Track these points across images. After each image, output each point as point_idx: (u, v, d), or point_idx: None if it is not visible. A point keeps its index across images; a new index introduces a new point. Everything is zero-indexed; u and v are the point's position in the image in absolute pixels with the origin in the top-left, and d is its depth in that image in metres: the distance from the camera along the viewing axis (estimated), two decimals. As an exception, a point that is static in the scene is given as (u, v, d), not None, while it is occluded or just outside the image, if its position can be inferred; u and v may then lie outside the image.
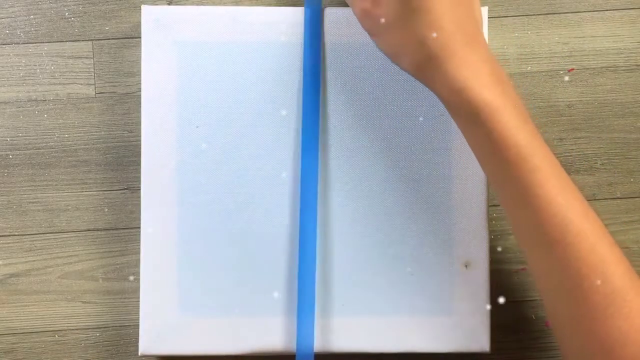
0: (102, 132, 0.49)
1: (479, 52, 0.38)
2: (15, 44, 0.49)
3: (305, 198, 0.45)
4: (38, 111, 0.48)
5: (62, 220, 0.48)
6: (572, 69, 0.49)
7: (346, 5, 0.45)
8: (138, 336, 0.45)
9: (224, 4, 0.49)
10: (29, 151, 0.48)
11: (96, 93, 0.49)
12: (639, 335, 0.34)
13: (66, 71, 0.49)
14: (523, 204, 0.37)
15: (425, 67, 0.39)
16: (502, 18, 0.49)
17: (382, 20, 0.40)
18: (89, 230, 0.49)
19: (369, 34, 0.42)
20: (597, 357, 0.35)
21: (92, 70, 0.49)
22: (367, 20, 0.41)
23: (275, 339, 0.45)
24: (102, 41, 0.49)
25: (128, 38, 0.49)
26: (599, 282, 0.35)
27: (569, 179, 0.38)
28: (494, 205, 0.49)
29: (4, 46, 0.49)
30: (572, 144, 0.49)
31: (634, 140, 0.49)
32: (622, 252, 0.37)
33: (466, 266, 0.46)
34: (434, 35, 0.38)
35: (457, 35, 0.38)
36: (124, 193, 0.49)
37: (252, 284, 0.46)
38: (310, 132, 0.45)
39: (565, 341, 0.38)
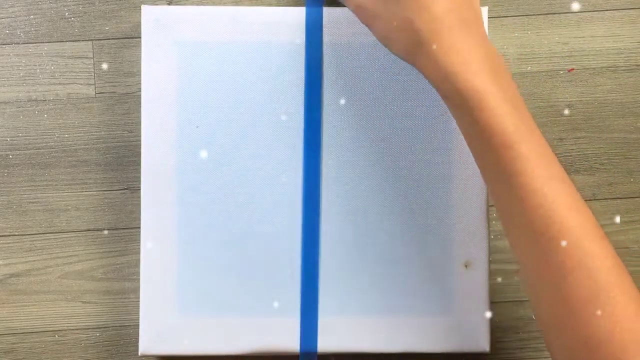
0: (102, 132, 0.49)
1: (470, 36, 0.38)
2: (15, 44, 0.49)
3: (308, 198, 0.45)
4: (38, 111, 0.48)
5: (62, 220, 0.48)
6: (572, 69, 0.49)
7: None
8: (138, 336, 0.45)
9: (224, 4, 0.49)
10: (29, 151, 0.48)
11: (96, 93, 0.49)
12: (624, 335, 0.34)
13: (66, 71, 0.49)
14: (508, 194, 0.37)
15: (415, 52, 0.38)
16: (502, 18, 0.49)
17: (375, 8, 0.39)
18: (89, 230, 0.49)
19: (365, 25, 0.41)
20: (581, 355, 0.35)
21: (92, 70, 0.49)
22: (362, 12, 0.41)
23: (276, 339, 0.45)
24: (102, 41, 0.49)
25: (128, 38, 0.49)
26: (583, 277, 0.35)
27: (559, 169, 0.37)
28: (494, 205, 0.49)
29: (4, 46, 0.49)
30: (572, 144, 0.49)
31: (634, 140, 0.49)
32: (611, 245, 0.36)
33: (466, 266, 0.46)
34: (421, 18, 0.37)
35: (446, 19, 0.37)
36: (124, 193, 0.49)
37: (252, 283, 0.46)
38: (311, 133, 0.45)
39: (550, 337, 0.37)
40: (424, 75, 0.39)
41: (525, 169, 0.36)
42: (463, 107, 0.37)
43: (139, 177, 0.46)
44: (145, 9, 0.46)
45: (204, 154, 0.45)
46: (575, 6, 0.49)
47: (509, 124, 0.36)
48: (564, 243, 0.35)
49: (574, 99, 0.49)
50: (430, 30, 0.37)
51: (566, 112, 0.49)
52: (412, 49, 0.39)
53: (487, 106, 0.36)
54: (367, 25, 0.41)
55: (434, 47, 0.37)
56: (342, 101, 0.46)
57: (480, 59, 0.37)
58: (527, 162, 0.36)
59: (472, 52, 0.37)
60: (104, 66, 0.49)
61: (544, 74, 0.49)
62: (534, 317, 0.49)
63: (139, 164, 0.46)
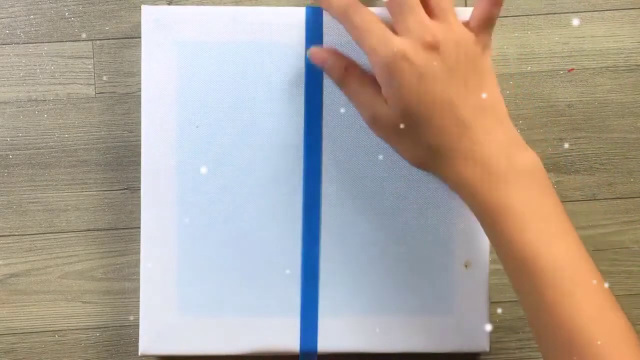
0: (102, 132, 0.49)
1: (495, 139, 0.37)
2: (15, 44, 0.49)
3: (308, 198, 0.45)
4: (38, 111, 0.48)
5: (62, 220, 0.48)
6: (572, 69, 0.49)
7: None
8: (138, 336, 0.45)
9: (224, 4, 0.49)
10: (29, 151, 0.48)
11: (96, 93, 0.49)
12: None
13: (66, 71, 0.49)
14: (535, 307, 0.35)
15: (434, 162, 0.38)
16: (502, 18, 0.49)
17: (392, 125, 0.39)
18: (89, 230, 0.49)
19: (384, 139, 0.41)
20: None
21: (92, 70, 0.49)
22: (378, 125, 0.40)
23: (276, 339, 0.45)
24: (102, 41, 0.49)
25: (128, 38, 0.49)
26: None
27: (589, 271, 0.35)
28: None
29: (4, 46, 0.49)
30: (572, 144, 0.49)
31: (634, 140, 0.49)
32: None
33: (466, 266, 0.46)
34: (438, 138, 0.37)
35: (464, 135, 0.37)
36: (124, 193, 0.49)
37: (252, 283, 0.46)
38: (311, 132, 0.45)
39: None
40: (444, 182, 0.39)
41: (552, 279, 0.34)
42: (485, 219, 0.36)
43: (139, 177, 0.46)
44: (145, 9, 0.45)
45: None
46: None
47: (532, 237, 0.35)
48: (588, 356, 0.34)
49: (574, 99, 0.49)
50: (449, 148, 0.37)
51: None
52: (430, 159, 0.38)
53: (508, 223, 0.35)
54: (386, 140, 0.41)
55: (454, 161, 0.37)
56: (342, 101, 0.46)
57: (504, 166, 0.36)
58: (553, 272, 0.34)
59: (494, 158, 0.36)
60: (104, 66, 0.49)
61: (544, 74, 0.49)
62: None
63: (139, 164, 0.46)
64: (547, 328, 0.35)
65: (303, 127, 0.46)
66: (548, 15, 0.49)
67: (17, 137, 0.48)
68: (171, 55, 0.45)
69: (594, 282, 0.35)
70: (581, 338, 0.34)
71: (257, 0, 0.49)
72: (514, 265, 0.36)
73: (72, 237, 0.48)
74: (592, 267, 0.36)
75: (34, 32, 0.49)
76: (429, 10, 0.39)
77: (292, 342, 0.45)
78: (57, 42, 0.49)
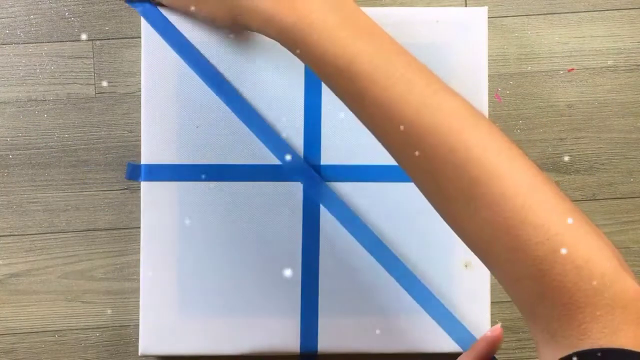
0: (102, 132, 0.49)
1: None
2: (15, 44, 0.49)
3: (308, 198, 0.45)
4: (38, 111, 0.48)
5: (62, 220, 0.48)
6: (572, 69, 0.49)
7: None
8: (138, 336, 0.45)
9: (224, 4, 0.49)
10: (29, 151, 0.48)
11: (96, 93, 0.49)
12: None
13: (66, 71, 0.49)
14: (362, 113, 0.35)
15: (240, 12, 0.39)
16: (502, 18, 0.49)
17: None
18: (89, 230, 0.49)
19: (186, 11, 0.44)
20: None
21: (92, 70, 0.49)
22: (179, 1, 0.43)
23: (276, 339, 0.45)
24: (102, 41, 0.49)
25: (128, 38, 0.49)
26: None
27: (401, 62, 0.34)
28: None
29: (4, 46, 0.49)
30: (572, 144, 0.49)
31: (634, 140, 0.49)
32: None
33: (466, 266, 0.46)
34: None
35: None
36: (124, 193, 0.49)
37: (252, 284, 0.46)
38: (311, 132, 0.45)
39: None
40: (255, 30, 0.39)
41: (367, 86, 0.33)
42: (293, 46, 0.36)
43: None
44: (145, 9, 0.45)
45: (203, 148, 0.45)
46: (566, 158, 0.49)
47: (335, 46, 0.34)
48: (401, 127, 0.34)
49: (574, 99, 0.49)
50: None
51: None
52: (236, 11, 0.39)
53: (310, 36, 0.35)
54: (186, 7, 0.43)
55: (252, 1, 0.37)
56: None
57: None
58: (364, 76, 0.34)
59: None
60: (104, 66, 0.49)
61: (544, 74, 0.49)
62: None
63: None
64: (377, 120, 0.35)
65: (303, 127, 0.46)
66: (548, 15, 0.49)
67: (17, 137, 0.48)
68: (171, 55, 0.45)
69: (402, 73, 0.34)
70: (403, 119, 0.33)
71: (257, 0, 0.49)
72: (331, 79, 0.35)
73: (72, 237, 0.48)
74: (408, 58, 0.35)
75: (34, 32, 0.49)
76: None
77: (292, 342, 0.45)
78: (57, 42, 0.49)
